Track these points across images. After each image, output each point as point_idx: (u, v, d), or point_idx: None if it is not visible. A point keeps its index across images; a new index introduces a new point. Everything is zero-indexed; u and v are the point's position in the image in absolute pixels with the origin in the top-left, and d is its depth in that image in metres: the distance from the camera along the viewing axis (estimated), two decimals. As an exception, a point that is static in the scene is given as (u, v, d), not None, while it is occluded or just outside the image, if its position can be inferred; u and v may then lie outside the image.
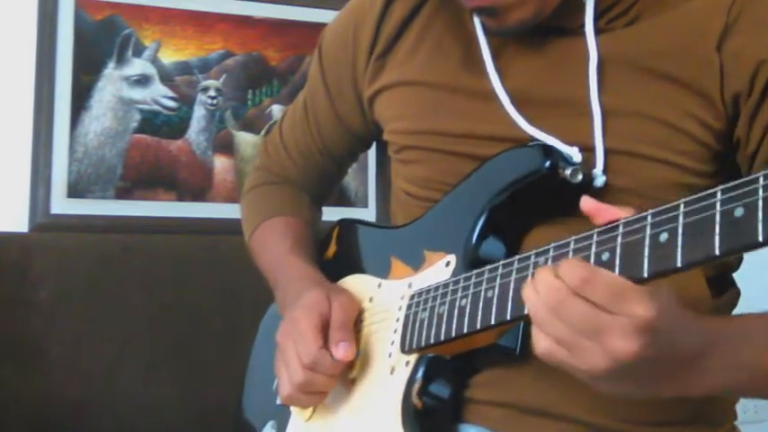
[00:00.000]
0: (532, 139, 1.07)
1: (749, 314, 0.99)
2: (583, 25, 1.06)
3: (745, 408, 1.17)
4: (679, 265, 0.75)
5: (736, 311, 1.14)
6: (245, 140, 2.54)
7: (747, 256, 1.13)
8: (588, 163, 1.04)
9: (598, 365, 0.80)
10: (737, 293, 1.16)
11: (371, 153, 2.63)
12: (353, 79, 1.28)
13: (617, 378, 0.82)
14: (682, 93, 1.04)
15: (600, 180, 1.03)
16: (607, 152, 1.04)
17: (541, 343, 0.84)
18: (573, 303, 0.80)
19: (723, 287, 1.13)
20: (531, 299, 0.84)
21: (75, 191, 2.35)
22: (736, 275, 1.17)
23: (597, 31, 1.06)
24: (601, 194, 1.02)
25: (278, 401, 1.26)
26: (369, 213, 2.62)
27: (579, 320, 0.80)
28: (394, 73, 1.21)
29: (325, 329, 1.12)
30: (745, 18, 1.03)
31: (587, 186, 1.03)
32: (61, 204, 2.34)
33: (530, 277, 0.87)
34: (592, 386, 0.85)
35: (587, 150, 1.04)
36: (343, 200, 2.60)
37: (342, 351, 1.09)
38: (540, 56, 1.10)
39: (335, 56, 1.30)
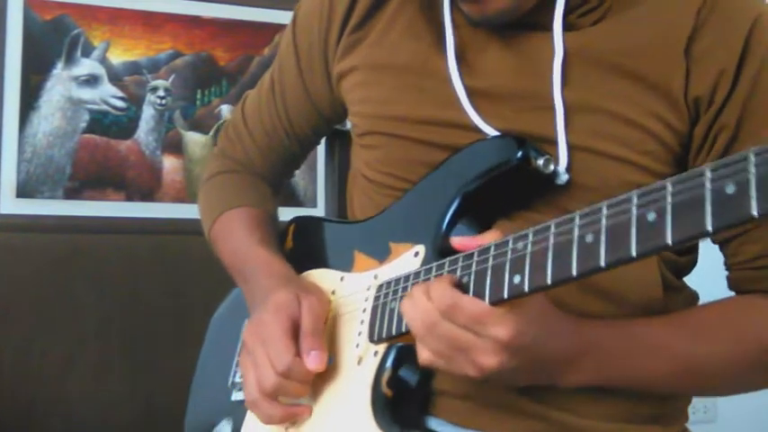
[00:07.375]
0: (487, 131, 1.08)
1: (638, 320, 1.05)
2: (552, 20, 1.07)
3: (695, 408, 1.21)
4: (669, 242, 0.75)
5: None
6: (194, 140, 2.54)
7: (703, 261, 1.17)
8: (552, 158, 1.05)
9: (471, 374, 0.93)
10: (694, 295, 1.17)
11: (321, 153, 2.65)
12: (324, 50, 1.26)
13: (488, 380, 0.95)
14: (647, 92, 1.05)
15: (563, 178, 1.04)
16: (570, 147, 1.04)
17: (423, 354, 0.96)
18: (443, 325, 0.92)
19: (678, 288, 1.15)
20: (410, 315, 0.96)
21: (23, 191, 2.35)
22: (694, 280, 1.19)
23: (567, 27, 1.07)
24: (563, 192, 1.04)
25: (233, 397, 1.26)
26: (318, 213, 2.62)
27: (449, 339, 0.92)
28: (365, 54, 1.20)
29: (295, 333, 1.10)
30: (713, 22, 1.05)
31: (552, 182, 1.04)
32: (10, 204, 2.33)
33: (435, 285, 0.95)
34: None
35: (550, 144, 1.05)
36: (292, 200, 2.61)
37: (314, 361, 1.08)
38: (507, 49, 1.10)
39: (309, 25, 1.28)
